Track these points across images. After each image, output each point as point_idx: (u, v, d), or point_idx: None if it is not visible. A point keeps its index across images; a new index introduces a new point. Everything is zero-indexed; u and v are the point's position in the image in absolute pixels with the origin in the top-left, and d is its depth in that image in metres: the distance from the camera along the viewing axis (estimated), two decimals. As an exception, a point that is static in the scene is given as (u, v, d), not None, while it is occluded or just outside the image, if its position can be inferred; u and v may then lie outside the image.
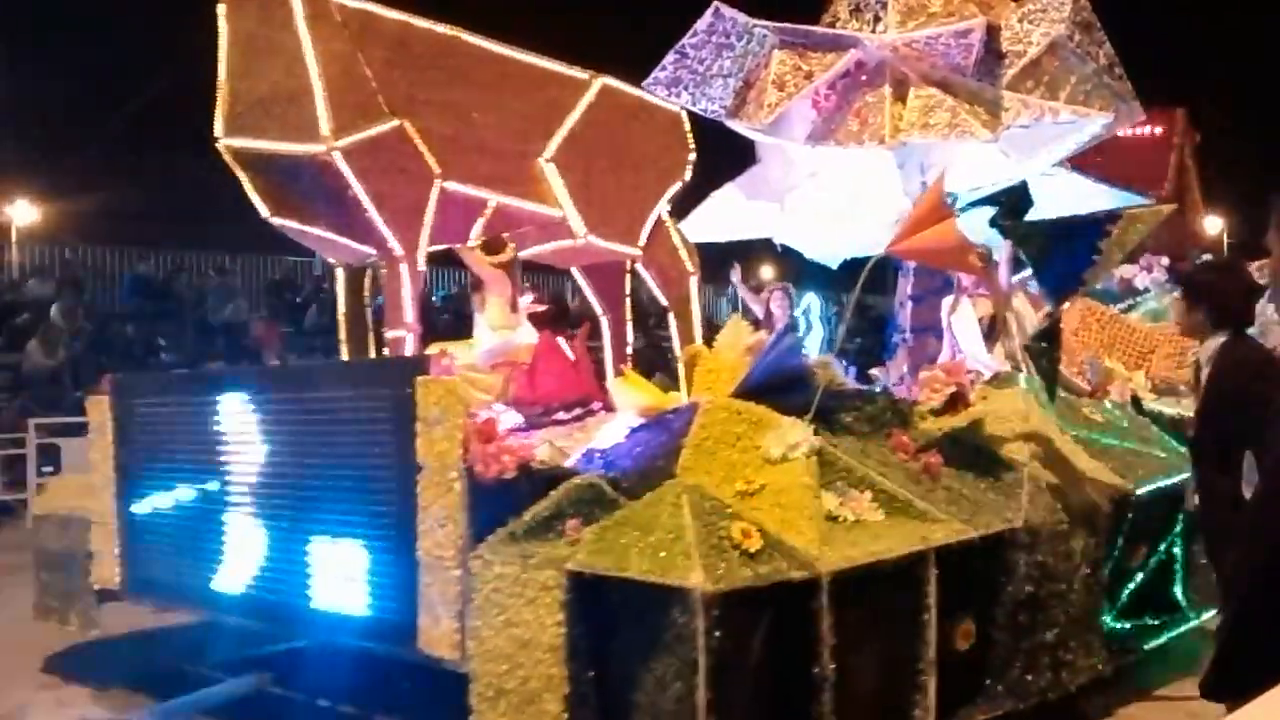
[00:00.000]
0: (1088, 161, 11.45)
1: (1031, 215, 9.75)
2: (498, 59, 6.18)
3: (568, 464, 5.09)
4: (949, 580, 4.63)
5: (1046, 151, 8.79)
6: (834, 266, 10.70)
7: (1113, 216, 4.88)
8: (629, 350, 7.32)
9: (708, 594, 3.63)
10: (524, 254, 6.92)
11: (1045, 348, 4.96)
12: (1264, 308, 10.85)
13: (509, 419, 5.15)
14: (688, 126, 6.97)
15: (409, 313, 5.80)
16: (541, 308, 8.03)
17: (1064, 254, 4.80)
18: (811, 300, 11.16)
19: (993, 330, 7.53)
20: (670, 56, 8.97)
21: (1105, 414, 6.43)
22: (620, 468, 4.92)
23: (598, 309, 7.22)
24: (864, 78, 8.77)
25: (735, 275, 10.35)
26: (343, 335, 6.30)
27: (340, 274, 6.32)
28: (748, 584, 3.76)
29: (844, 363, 9.91)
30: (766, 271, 21.13)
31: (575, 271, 7.18)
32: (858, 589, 4.23)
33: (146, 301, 18.57)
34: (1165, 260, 11.33)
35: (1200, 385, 4.58)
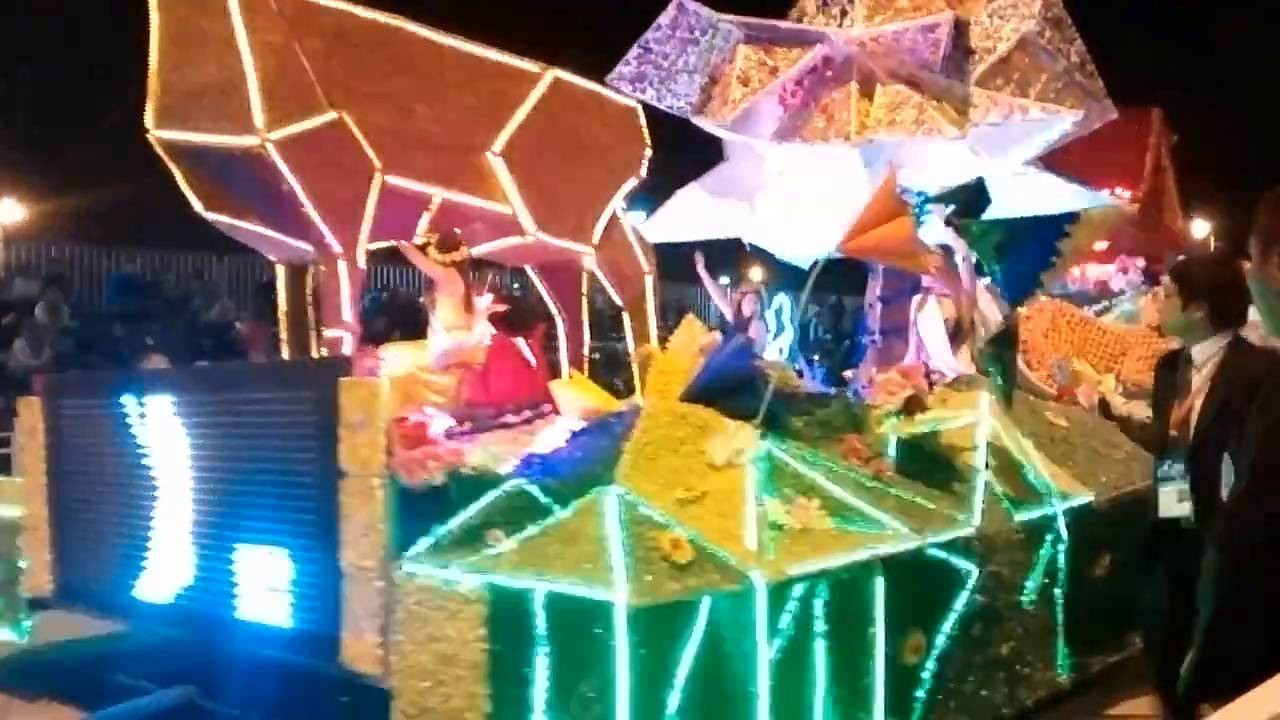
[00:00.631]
0: (1061, 161, 11.32)
1: (1003, 215, 9.65)
2: (443, 50, 5.99)
3: (505, 469, 4.90)
4: (898, 591, 4.45)
5: (1016, 150, 8.58)
6: (806, 267, 10.52)
7: (1071, 217, 4.69)
8: (585, 351, 7.11)
9: (632, 608, 3.43)
10: (475, 251, 6.70)
11: (1001, 350, 4.76)
12: (1240, 310, 10.75)
13: (442, 422, 4.94)
14: (643, 121, 6.76)
15: (347, 311, 5.61)
16: (501, 307, 7.83)
17: (1021, 254, 4.62)
18: (783, 301, 10.94)
19: (959, 332, 7.34)
20: (633, 51, 8.76)
21: (1069, 418, 6.25)
22: (559, 473, 4.73)
23: (553, 309, 7.01)
24: (830, 74, 8.60)
25: (700, 265, 10.09)
26: (284, 335, 6.08)
27: (281, 271, 6.10)
28: (676, 597, 3.56)
29: (803, 364, 9.75)
30: (756, 274, 20.94)
31: (530, 270, 6.97)
32: (799, 600, 4.04)
33: (133, 301, 18.40)
34: (1141, 262, 11.18)
35: (1188, 387, 4.24)
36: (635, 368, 6.70)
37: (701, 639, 3.74)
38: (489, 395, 6.72)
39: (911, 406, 5.62)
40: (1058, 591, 5.20)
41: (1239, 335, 4.26)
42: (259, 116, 5.33)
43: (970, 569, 4.76)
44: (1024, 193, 9.30)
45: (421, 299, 7.82)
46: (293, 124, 5.41)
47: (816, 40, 8.47)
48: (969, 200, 4.82)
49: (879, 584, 4.31)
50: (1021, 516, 5.10)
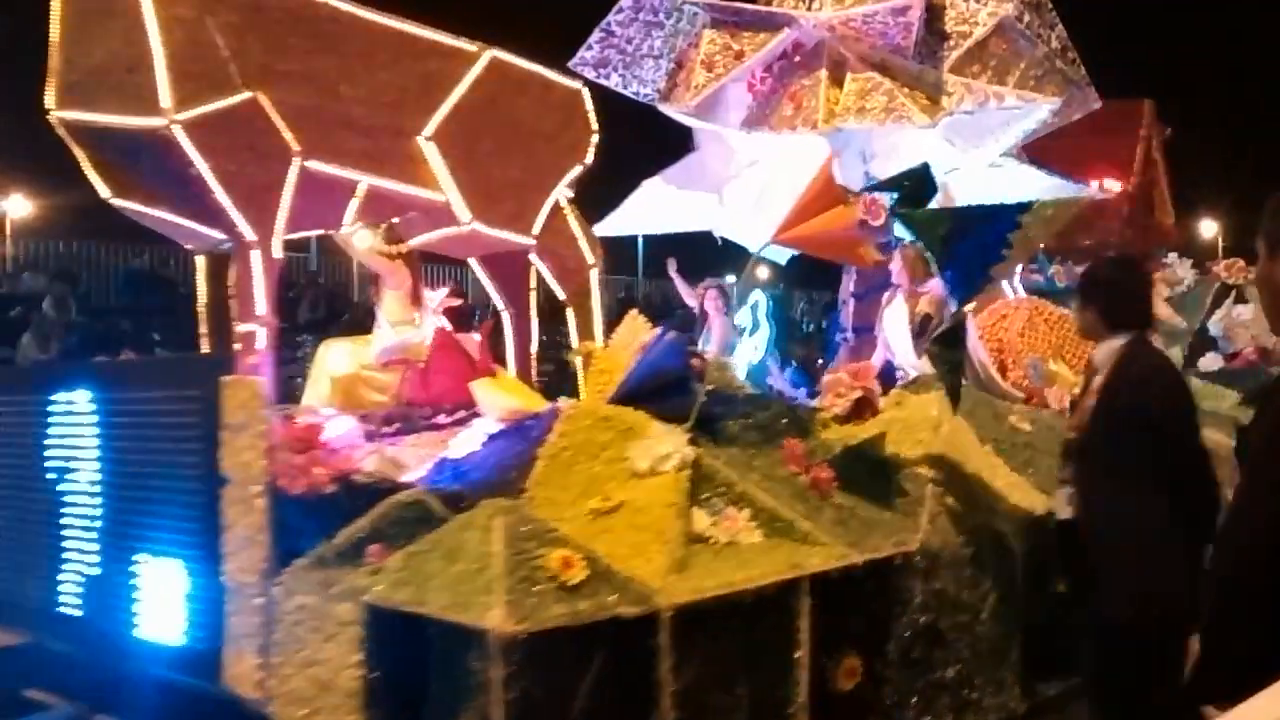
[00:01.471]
0: (1047, 154, 10.94)
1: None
2: (370, 27, 5.63)
3: (413, 475, 4.57)
4: (830, 611, 4.11)
5: (993, 139, 8.27)
6: (782, 262, 10.17)
7: (1023, 206, 4.34)
8: (534, 349, 6.76)
9: (506, 636, 3.09)
10: (413, 242, 6.35)
11: (948, 350, 4.41)
12: (1230, 308, 10.39)
13: (340, 424, 4.60)
14: (590, 105, 6.40)
15: (261, 304, 5.25)
16: (457, 302, 7.49)
17: (970, 246, 4.27)
18: (759, 298, 10.58)
19: (925, 330, 6.99)
20: (595, 35, 8.45)
21: (1035, 423, 5.89)
22: (469, 480, 4.40)
23: (499, 304, 6.66)
24: (800, 60, 8.26)
25: (672, 268, 9.77)
26: (204, 328, 5.74)
27: (201, 262, 5.76)
28: (561, 623, 3.21)
29: (773, 363, 9.39)
30: (763, 272, 20.61)
31: (473, 263, 6.62)
32: (713, 623, 3.70)
33: (142, 296, 18.28)
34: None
35: (1088, 389, 4.03)
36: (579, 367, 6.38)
37: (599, 668, 3.40)
38: (429, 394, 6.37)
39: (861, 410, 5.29)
40: (1012, 610, 4.84)
41: (1140, 338, 3.98)
42: (166, 96, 4.97)
43: (912, 586, 4.41)
44: (1002, 185, 8.97)
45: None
46: (202, 104, 5.05)
47: (784, 24, 8.15)
48: (913, 188, 4.47)
49: (805, 604, 3.96)
50: (972, 529, 4.75)
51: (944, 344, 4.43)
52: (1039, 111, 7.86)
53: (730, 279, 13.98)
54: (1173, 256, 10.93)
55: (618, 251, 21.19)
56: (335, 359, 7.17)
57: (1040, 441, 5.71)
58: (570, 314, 6.42)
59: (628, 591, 3.43)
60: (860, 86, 7.84)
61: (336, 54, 5.54)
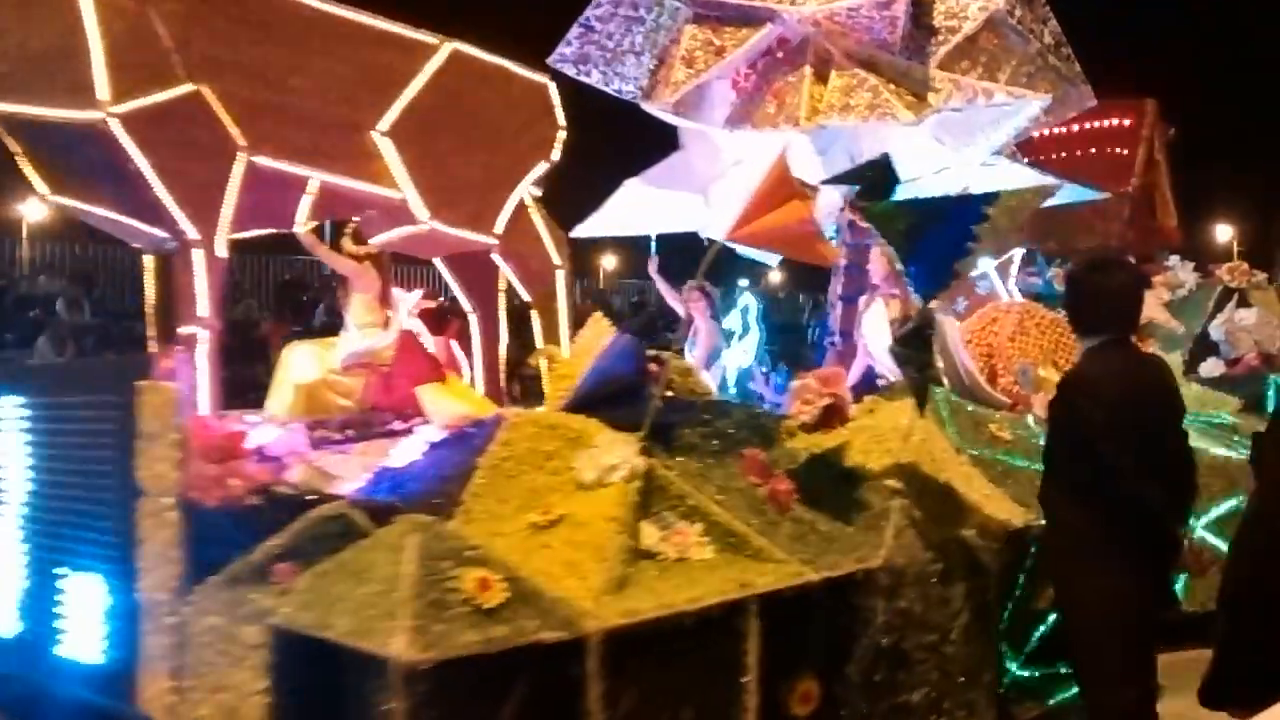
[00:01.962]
0: (1045, 153, 10.68)
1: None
2: (324, 17, 5.41)
3: (350, 486, 4.34)
4: (783, 632, 3.87)
5: (983, 137, 8.00)
6: (772, 264, 9.93)
7: (990, 197, 4.09)
8: (502, 352, 6.53)
9: (408, 665, 2.86)
10: (373, 242, 6.13)
11: (914, 352, 4.16)
12: (1232, 312, 10.09)
13: (266, 432, 4.38)
14: (556, 99, 6.17)
15: (204, 306, 5.03)
16: (432, 304, 7.27)
17: (934, 241, 4.01)
18: (749, 301, 10.34)
19: (907, 334, 6.73)
20: (574, 30, 8.20)
21: (1017, 431, 5.64)
22: (405, 492, 4.18)
23: (466, 306, 6.43)
24: (785, 55, 8.01)
25: (653, 269, 9.51)
26: (151, 331, 5.53)
27: (149, 261, 5.54)
28: (472, 650, 2.98)
29: (756, 370, 9.14)
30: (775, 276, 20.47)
31: (439, 264, 6.39)
32: (650, 647, 3.46)
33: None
34: (1130, 261, 10.48)
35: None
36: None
37: (520, 698, 3.17)
38: (392, 400, 6.15)
39: (830, 418, 5.04)
40: (985, 630, 4.59)
41: (1112, 343, 3.77)
42: (103, 88, 4.76)
43: (875, 605, 4.16)
44: (994, 185, 8.70)
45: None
46: (141, 96, 4.84)
47: (767, 18, 7.89)
48: (874, 180, 4.23)
49: (753, 625, 3.72)
50: (942, 544, 4.50)
51: (909, 345, 4.17)
52: (1029, 109, 7.59)
53: (743, 282, 13.71)
54: (1174, 259, 10.63)
55: (635, 256, 20.96)
56: (299, 363, 6.96)
57: (1020, 452, 5.46)
58: (535, 317, 6.18)
59: (552, 615, 3.19)
60: (845, 83, 7.58)
61: (287, 45, 5.32)
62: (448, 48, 5.73)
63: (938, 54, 7.62)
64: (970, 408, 5.70)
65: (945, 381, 6.57)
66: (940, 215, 4.08)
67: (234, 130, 5.10)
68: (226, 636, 3.38)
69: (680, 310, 9.51)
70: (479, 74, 5.86)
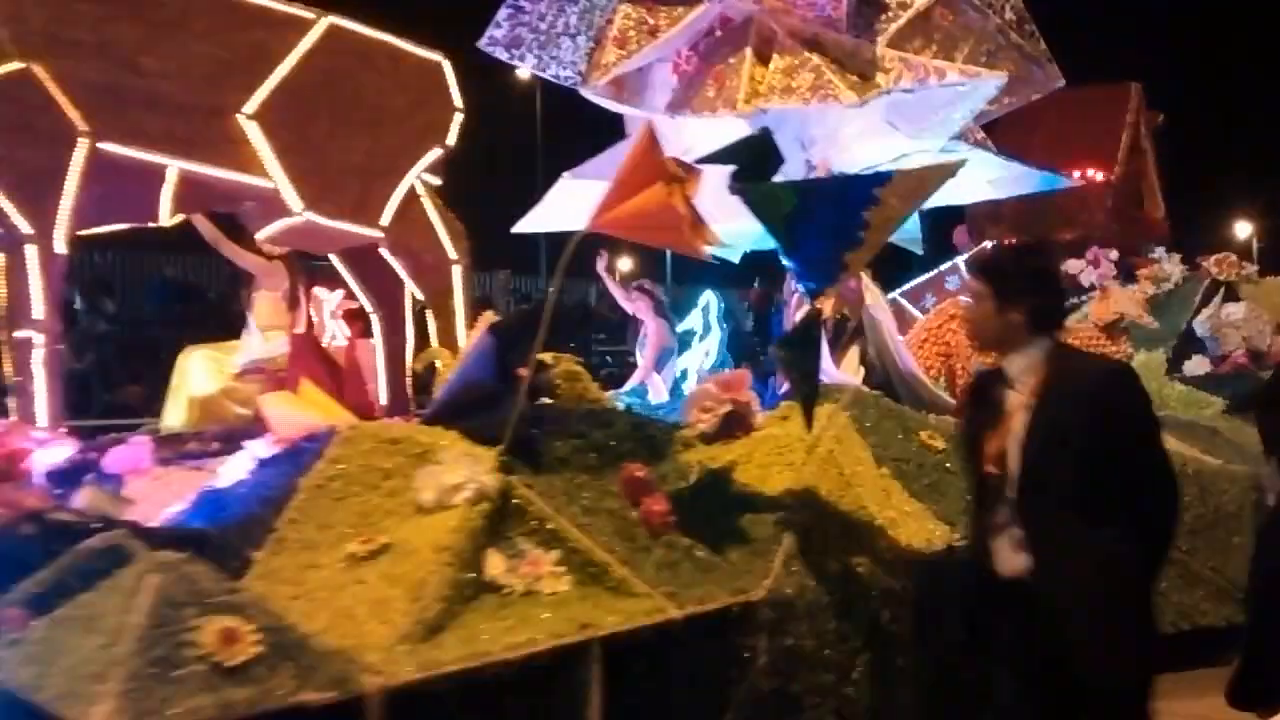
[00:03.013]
0: (1022, 141, 10.10)
1: (934, 201, 8.48)
2: (183, -9, 4.92)
3: (174, 509, 3.86)
4: (639, 681, 3.35)
5: (939, 121, 7.45)
6: (735, 260, 9.38)
7: (881, 177, 3.56)
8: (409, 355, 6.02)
9: (110, 740, 2.35)
10: (259, 237, 5.65)
11: (799, 355, 3.63)
12: (1219, 307, 9.51)
13: (56, 451, 3.89)
14: (452, 80, 5.65)
15: (39, 307, 4.55)
16: (353, 304, 6.78)
17: (819, 227, 3.49)
18: (710, 299, 9.82)
19: (841, 334, 6.22)
20: (503, 12, 7.68)
21: (953, 438, 5.09)
22: (225, 517, 3.68)
23: (367, 306, 5.92)
24: (726, 36, 7.49)
25: (602, 266, 8.99)
26: (2, 335, 5.04)
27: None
28: (202, 718, 2.47)
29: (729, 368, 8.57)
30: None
31: (335, 260, 5.89)
32: (457, 708, 2.95)
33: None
34: (1114, 254, 9.95)
35: (1004, 411, 3.14)
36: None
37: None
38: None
39: (732, 427, 4.53)
40: (894, 667, 4.05)
41: (1058, 340, 3.17)
42: (-82, 67, 4.29)
43: (755, 644, 3.64)
44: (958, 175, 8.15)
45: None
46: (-39, 76, 4.37)
47: (702, -4, 7.38)
48: (753, 157, 3.72)
49: (595, 672, 3.20)
50: (843, 571, 3.97)
51: (791, 348, 3.64)
52: (985, 88, 7.04)
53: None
54: (1159, 251, 10.07)
55: (648, 257, 20.42)
56: (196, 372, 6.50)
57: (957, 461, 4.92)
58: (430, 317, 5.67)
59: (317, 672, 2.67)
60: (788, 64, 7.06)
61: (139, 22, 4.83)
62: (324, 22, 5.24)
63: (888, 31, 7.10)
64: (901, 413, 5.16)
65: (888, 381, 6.07)
66: (825, 198, 3.56)
67: (74, 114, 4.61)
68: (-41, 692, 2.88)
69: (629, 307, 9.01)
70: (360, 51, 5.36)
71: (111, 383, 12.46)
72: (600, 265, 8.89)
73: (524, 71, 7.85)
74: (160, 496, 3.91)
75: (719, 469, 4.18)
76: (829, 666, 3.83)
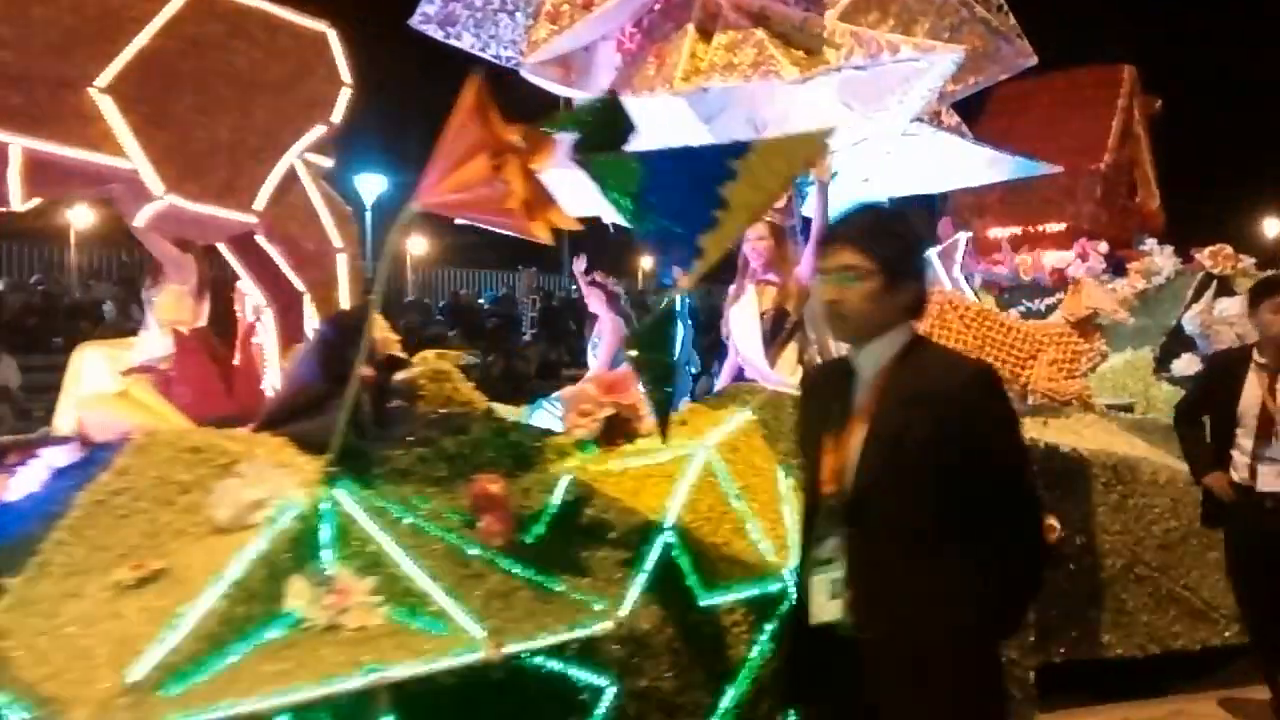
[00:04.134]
0: (1005, 125, 9.55)
1: (898, 189, 7.94)
2: (25, -45, 4.47)
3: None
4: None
5: (895, 101, 6.90)
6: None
7: (739, 148, 3.06)
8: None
9: None
10: (135, 224, 5.20)
11: (651, 348, 3.13)
12: (1211, 302, 8.94)
13: None
14: (338, 50, 5.18)
15: None
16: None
17: (669, 206, 3.01)
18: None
19: (778, 329, 5.70)
20: (433, -14, 7.26)
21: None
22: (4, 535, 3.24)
23: (260, 299, 5.46)
24: (669, 11, 7.00)
25: (579, 266, 8.39)
26: None
27: None
28: None
29: (697, 367, 8.06)
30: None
31: (222, 248, 5.43)
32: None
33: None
34: (1104, 246, 9.41)
35: (851, 416, 2.57)
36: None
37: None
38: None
39: (614, 433, 4.04)
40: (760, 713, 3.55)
41: (915, 332, 2.62)
42: None
43: (598, 688, 3.16)
44: (920, 160, 7.65)
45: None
46: None
47: (644, -32, 6.90)
48: (599, 125, 3.24)
49: (384, 726, 2.73)
50: (716, 599, 3.48)
51: (643, 346, 3.15)
52: (942, 64, 6.50)
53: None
54: (1151, 243, 9.50)
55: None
56: (90, 373, 6.07)
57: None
58: (311, 308, 5.20)
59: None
60: (730, 39, 6.56)
61: (-29, -14, 4.39)
62: (189, -13, 4.77)
63: (839, 4, 6.58)
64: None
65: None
66: (674, 171, 3.07)
67: (-105, 89, 4.19)
68: None
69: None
70: (230, 19, 4.89)
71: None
72: (577, 267, 8.28)
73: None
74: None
75: (586, 482, 3.69)
76: (688, 711, 3.34)
